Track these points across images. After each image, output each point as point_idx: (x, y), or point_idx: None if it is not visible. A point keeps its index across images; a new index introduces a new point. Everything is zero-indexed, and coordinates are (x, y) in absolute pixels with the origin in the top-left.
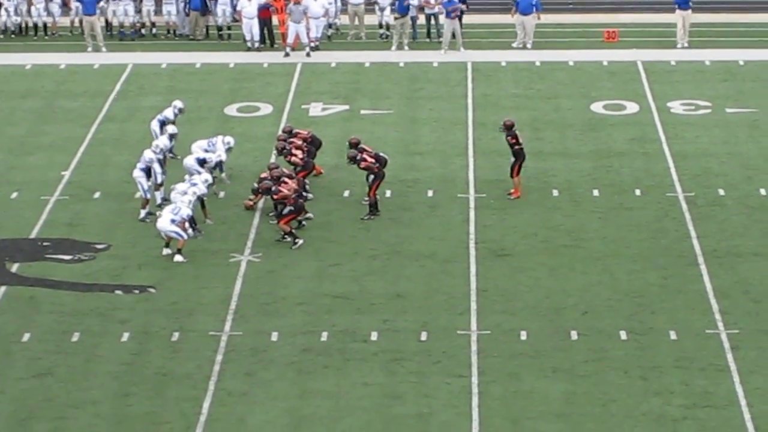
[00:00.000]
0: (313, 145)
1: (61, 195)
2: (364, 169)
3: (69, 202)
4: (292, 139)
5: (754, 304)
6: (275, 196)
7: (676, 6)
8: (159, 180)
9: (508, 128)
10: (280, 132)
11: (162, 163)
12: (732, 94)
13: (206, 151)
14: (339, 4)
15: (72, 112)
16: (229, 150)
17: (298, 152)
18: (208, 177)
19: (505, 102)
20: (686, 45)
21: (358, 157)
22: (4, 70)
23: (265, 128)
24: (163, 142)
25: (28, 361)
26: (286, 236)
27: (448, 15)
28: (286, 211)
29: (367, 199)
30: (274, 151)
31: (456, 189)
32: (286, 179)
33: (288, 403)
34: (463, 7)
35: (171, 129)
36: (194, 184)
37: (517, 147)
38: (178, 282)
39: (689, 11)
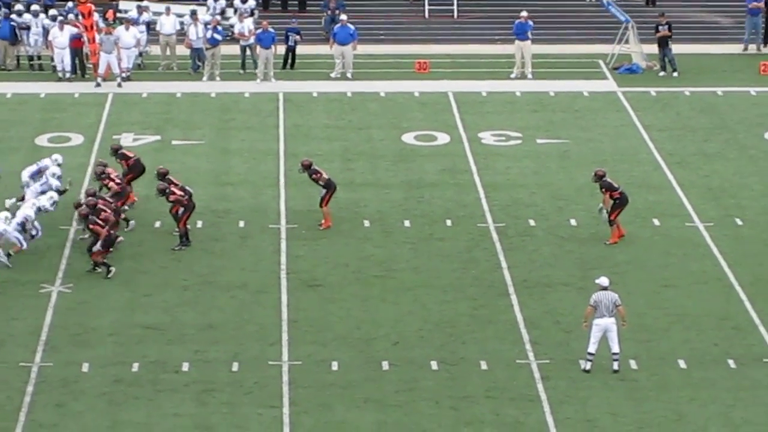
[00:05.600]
0: (134, 170)
1: None
2: (172, 201)
3: None
4: (108, 170)
5: (565, 334)
6: (90, 226)
7: (515, 36)
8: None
9: (307, 168)
10: (110, 149)
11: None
12: (542, 125)
13: (38, 171)
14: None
15: None
16: (59, 166)
17: (116, 179)
18: (54, 195)
19: (316, 132)
20: (529, 76)
21: (167, 190)
22: None
23: (76, 158)
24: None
25: None
26: (97, 267)
27: (264, 44)
28: (98, 246)
29: (177, 230)
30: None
31: (267, 219)
32: (104, 207)
33: None
34: (298, 37)
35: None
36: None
37: (322, 181)
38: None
39: (528, 42)
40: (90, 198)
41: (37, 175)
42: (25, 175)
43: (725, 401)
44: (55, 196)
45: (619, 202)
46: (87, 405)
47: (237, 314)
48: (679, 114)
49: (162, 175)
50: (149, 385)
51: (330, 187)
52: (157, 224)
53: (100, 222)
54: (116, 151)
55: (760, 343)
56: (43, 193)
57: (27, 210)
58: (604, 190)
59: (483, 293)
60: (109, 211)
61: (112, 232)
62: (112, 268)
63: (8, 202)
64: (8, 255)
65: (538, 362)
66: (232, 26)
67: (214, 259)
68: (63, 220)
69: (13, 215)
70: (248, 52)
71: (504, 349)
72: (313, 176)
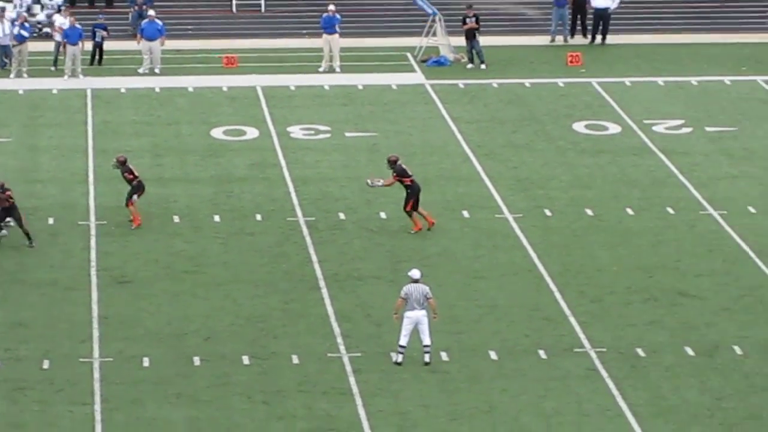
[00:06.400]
0: None
1: None
2: None
3: None
4: None
5: (376, 327)
6: None
7: (323, 30)
8: None
9: (122, 164)
10: None
11: None
12: (351, 119)
13: None
14: None
15: None
16: None
17: None
18: None
19: (125, 128)
20: (338, 69)
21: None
22: None
23: None
24: None
25: None
26: None
27: (71, 41)
28: None
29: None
30: None
31: (77, 216)
32: None
33: None
34: (105, 33)
35: None
36: None
37: (135, 181)
38: None
39: (336, 35)
40: None
41: None
42: None
43: (536, 392)
44: None
45: (411, 191)
46: None
47: (47, 312)
48: (487, 106)
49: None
50: None
51: (139, 188)
52: None
53: None
54: None
55: (570, 334)
56: None
57: None
58: (395, 175)
59: (294, 287)
60: None
61: None
62: None
63: None
64: None
65: (349, 355)
66: (39, 23)
67: (23, 257)
68: None
69: None
70: (61, 48)
71: (315, 343)
72: (126, 174)
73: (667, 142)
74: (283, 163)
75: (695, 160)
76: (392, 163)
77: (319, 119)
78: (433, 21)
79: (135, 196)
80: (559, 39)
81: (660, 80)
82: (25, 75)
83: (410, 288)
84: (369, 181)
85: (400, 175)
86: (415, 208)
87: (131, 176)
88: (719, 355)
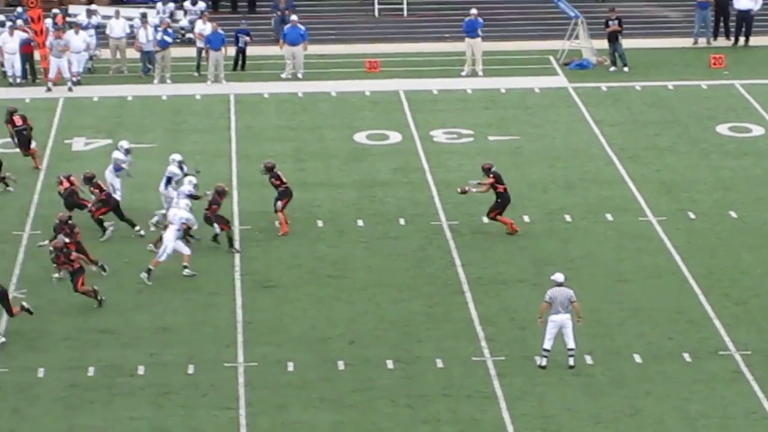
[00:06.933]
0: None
1: None
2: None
3: None
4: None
5: (520, 330)
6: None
7: (466, 34)
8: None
9: (269, 170)
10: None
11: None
12: (494, 122)
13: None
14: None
15: None
16: (179, 165)
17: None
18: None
19: (268, 133)
20: (480, 73)
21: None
22: None
23: (29, 163)
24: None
25: None
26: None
27: (214, 46)
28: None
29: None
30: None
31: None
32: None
33: None
34: (248, 39)
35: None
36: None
37: (282, 187)
38: None
39: (478, 39)
40: (62, 216)
41: (169, 183)
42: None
43: (681, 395)
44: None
45: (502, 200)
46: (43, 410)
47: (192, 316)
48: (630, 109)
49: (88, 180)
50: (105, 389)
51: (285, 195)
52: (111, 227)
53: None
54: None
55: (715, 336)
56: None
57: (182, 213)
58: (492, 178)
59: (437, 291)
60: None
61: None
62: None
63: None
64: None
65: (493, 359)
66: (182, 28)
67: (168, 262)
68: (16, 226)
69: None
70: (203, 53)
71: (459, 347)
72: (272, 180)
73: None
74: (426, 167)
75: None
76: (487, 170)
77: (462, 123)
78: (576, 24)
79: (279, 203)
80: (702, 41)
81: None
82: (168, 81)
83: (554, 291)
84: (463, 188)
85: (497, 180)
86: (498, 215)
87: (278, 182)
88: None
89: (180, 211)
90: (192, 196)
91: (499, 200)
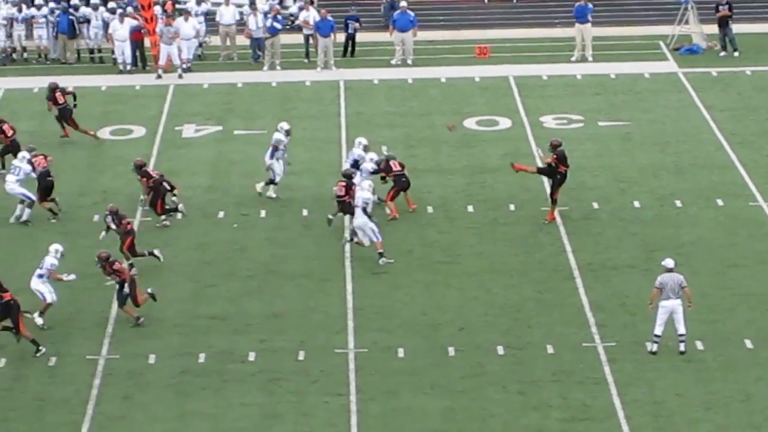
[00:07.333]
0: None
1: None
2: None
3: None
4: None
5: (630, 316)
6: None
7: (575, 20)
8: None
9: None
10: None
11: None
12: (604, 108)
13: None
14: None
15: None
16: (286, 134)
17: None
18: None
19: (378, 120)
20: (590, 58)
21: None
22: None
23: (138, 150)
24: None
25: None
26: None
27: (323, 33)
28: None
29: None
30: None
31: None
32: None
33: (166, 426)
34: (357, 25)
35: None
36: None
37: (395, 175)
38: (53, 306)
39: (588, 25)
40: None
41: (275, 152)
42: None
43: None
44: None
45: (562, 179)
46: (154, 396)
47: (302, 303)
48: (740, 94)
49: (138, 167)
50: (216, 376)
51: (397, 183)
52: (221, 215)
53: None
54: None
55: None
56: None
57: (365, 194)
58: (555, 157)
59: (548, 277)
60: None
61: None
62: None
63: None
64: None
65: (604, 345)
66: (292, 15)
67: (278, 249)
68: (129, 213)
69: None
70: (311, 40)
71: (570, 333)
72: (387, 170)
73: None
74: (535, 153)
75: None
76: (555, 147)
77: (572, 109)
78: (686, 9)
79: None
80: None
81: None
82: (278, 67)
83: (665, 277)
84: (536, 151)
85: (561, 161)
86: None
87: (394, 169)
88: None
89: (363, 192)
90: (375, 172)
91: (559, 178)
